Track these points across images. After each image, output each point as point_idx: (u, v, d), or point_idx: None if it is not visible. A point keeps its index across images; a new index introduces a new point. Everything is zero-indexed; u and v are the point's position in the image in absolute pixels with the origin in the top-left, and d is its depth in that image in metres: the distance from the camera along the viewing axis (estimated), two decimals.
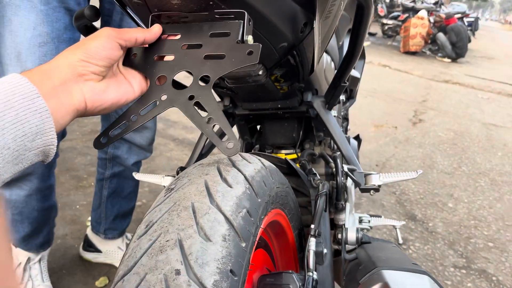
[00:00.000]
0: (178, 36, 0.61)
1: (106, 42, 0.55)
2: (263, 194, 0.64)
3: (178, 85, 0.60)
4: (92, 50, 0.53)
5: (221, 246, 0.50)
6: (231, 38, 0.57)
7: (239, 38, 0.57)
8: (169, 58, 0.60)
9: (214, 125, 0.56)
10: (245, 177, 0.62)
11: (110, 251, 1.80)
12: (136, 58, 0.62)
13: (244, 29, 0.57)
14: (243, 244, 0.54)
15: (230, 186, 0.59)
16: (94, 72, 0.54)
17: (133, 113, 0.59)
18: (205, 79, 0.58)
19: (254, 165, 0.68)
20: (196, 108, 0.57)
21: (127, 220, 1.79)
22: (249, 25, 0.58)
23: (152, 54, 0.61)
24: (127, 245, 1.64)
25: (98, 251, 1.80)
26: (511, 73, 8.38)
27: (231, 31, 0.57)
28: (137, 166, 1.65)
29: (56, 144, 0.50)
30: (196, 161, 1.06)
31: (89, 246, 1.81)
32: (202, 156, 1.09)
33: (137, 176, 1.07)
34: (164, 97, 0.58)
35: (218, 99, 1.07)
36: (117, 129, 0.60)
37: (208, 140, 1.10)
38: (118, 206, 1.71)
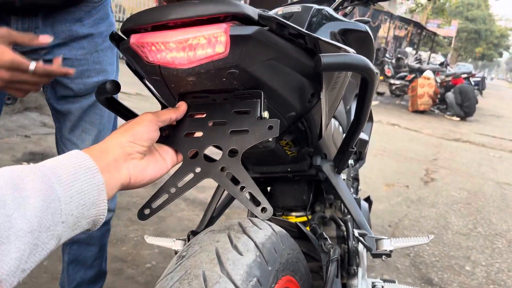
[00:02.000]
0: (204, 115, 0.67)
1: (149, 126, 0.62)
2: (274, 261, 0.64)
3: (209, 158, 0.66)
4: (138, 134, 0.61)
5: None
6: (252, 115, 0.64)
7: (258, 115, 0.63)
8: (198, 134, 0.67)
9: (247, 193, 0.62)
10: (255, 244, 0.63)
11: None
12: (167, 135, 0.68)
13: (262, 106, 0.64)
14: None
15: (240, 253, 0.59)
16: (139, 152, 0.62)
17: (171, 186, 0.65)
18: (232, 151, 0.64)
19: (264, 231, 0.68)
20: (227, 178, 0.63)
21: (96, 286, 1.50)
22: (265, 102, 0.65)
23: (182, 131, 0.68)
24: None
25: None
26: None
27: (251, 109, 0.64)
28: (101, 230, 1.41)
29: (106, 215, 0.55)
30: (207, 224, 1.06)
31: None
32: (213, 219, 1.09)
33: (148, 239, 1.08)
34: (198, 170, 0.65)
35: None
36: (158, 201, 0.65)
37: (218, 203, 1.11)
38: (82, 274, 1.46)
